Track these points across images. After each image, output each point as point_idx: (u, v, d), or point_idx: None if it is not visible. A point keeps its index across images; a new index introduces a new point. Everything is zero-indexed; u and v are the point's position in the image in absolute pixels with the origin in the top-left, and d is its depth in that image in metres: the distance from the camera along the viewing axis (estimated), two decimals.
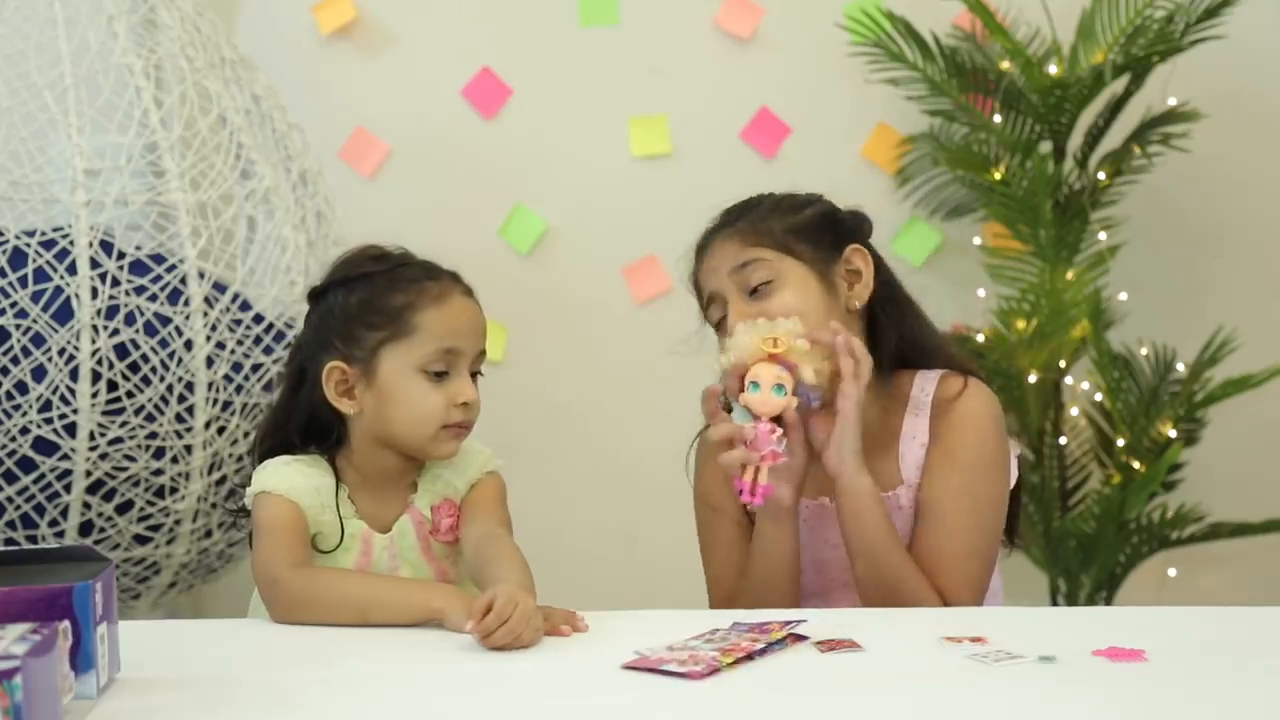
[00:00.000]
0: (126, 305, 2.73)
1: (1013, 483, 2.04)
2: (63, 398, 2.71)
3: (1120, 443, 3.16)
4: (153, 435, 2.77)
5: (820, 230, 2.02)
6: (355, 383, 1.92)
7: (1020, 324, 3.10)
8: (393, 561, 1.93)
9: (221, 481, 2.88)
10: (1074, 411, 3.24)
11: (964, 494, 1.95)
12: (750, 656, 1.62)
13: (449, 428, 1.91)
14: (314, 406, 1.94)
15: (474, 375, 1.95)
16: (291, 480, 1.91)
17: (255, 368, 2.85)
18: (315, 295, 1.98)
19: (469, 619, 1.68)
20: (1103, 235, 3.21)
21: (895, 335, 2.03)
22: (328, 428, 1.95)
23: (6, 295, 2.71)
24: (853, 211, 2.09)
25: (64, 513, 2.77)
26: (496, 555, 1.85)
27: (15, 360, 2.71)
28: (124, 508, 2.80)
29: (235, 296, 2.85)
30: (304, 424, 1.96)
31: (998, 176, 3.16)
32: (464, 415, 1.92)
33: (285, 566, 1.83)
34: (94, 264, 2.72)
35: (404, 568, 1.93)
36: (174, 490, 2.82)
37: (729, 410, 1.94)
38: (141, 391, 2.75)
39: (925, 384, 2.03)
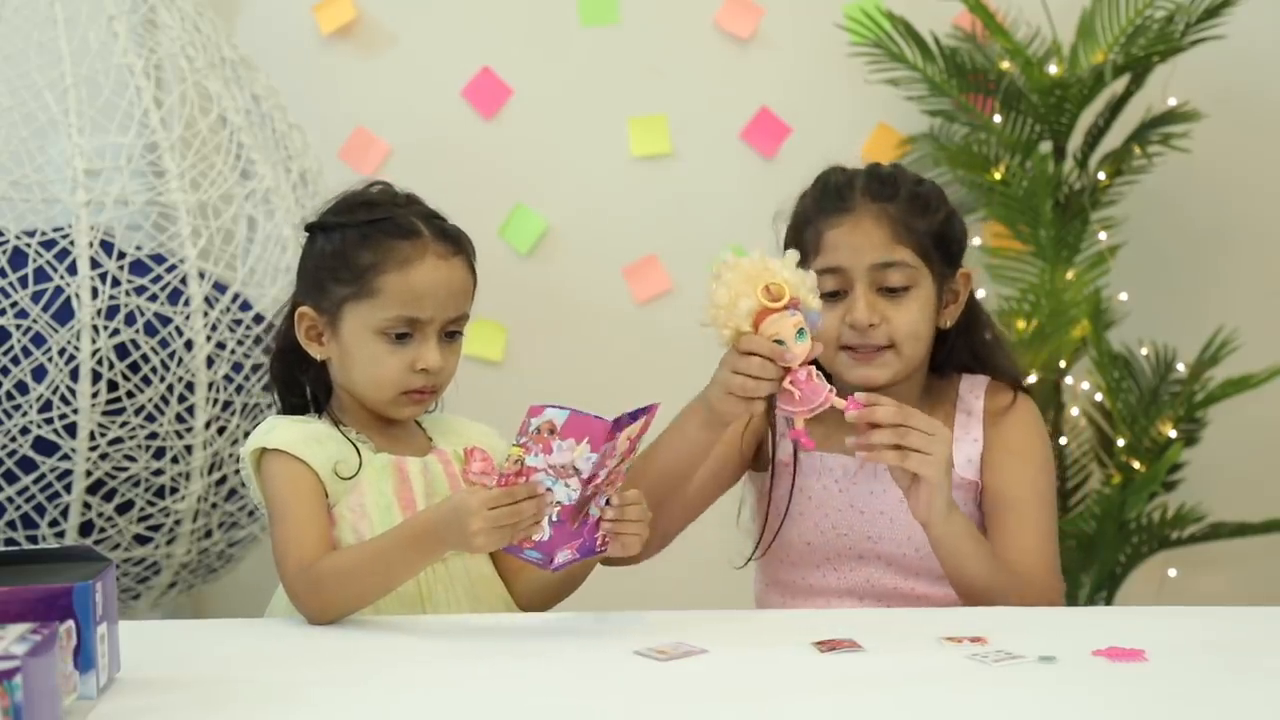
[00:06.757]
0: (127, 305, 2.73)
1: None
2: (63, 398, 2.71)
3: (1120, 443, 3.16)
4: (153, 435, 2.77)
5: (947, 239, 2.05)
6: (323, 330, 1.90)
7: (1020, 324, 3.10)
8: (429, 487, 1.89)
9: (222, 481, 2.88)
10: (1074, 411, 3.23)
11: (1034, 488, 2.06)
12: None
13: (408, 393, 1.87)
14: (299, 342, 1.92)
15: (452, 335, 1.90)
16: (287, 433, 1.86)
17: (255, 368, 2.85)
18: (309, 230, 1.95)
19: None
20: (1103, 235, 3.21)
21: (967, 350, 2.11)
22: (316, 364, 1.92)
23: (7, 295, 2.71)
24: (959, 216, 2.11)
25: (64, 513, 2.77)
26: None
27: (15, 360, 2.71)
28: (124, 508, 2.80)
29: (235, 296, 2.85)
30: (300, 358, 1.93)
31: (998, 176, 3.16)
32: (424, 381, 1.87)
33: (296, 574, 1.79)
34: (94, 264, 2.72)
35: (438, 498, 1.87)
36: (174, 490, 2.82)
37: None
38: (142, 391, 2.75)
39: (973, 388, 2.10)
